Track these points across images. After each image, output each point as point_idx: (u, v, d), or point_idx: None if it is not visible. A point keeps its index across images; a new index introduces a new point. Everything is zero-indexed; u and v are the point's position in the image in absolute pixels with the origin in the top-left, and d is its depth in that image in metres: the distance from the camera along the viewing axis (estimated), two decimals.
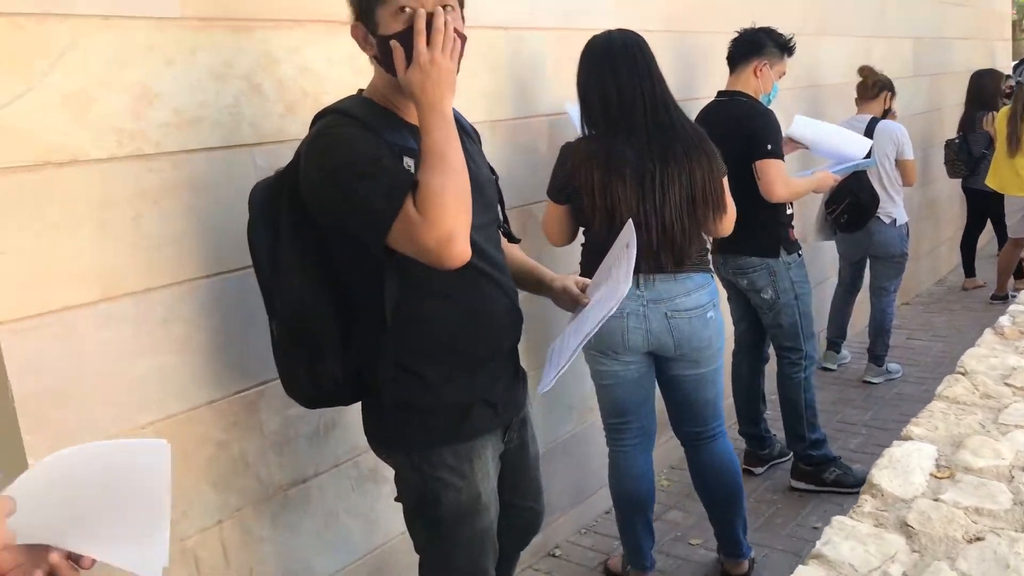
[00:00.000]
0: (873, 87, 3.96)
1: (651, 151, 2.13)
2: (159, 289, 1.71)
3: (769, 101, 2.98)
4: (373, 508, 2.21)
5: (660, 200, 2.13)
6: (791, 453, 3.31)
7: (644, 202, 2.13)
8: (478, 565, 1.66)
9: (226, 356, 1.83)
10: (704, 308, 2.28)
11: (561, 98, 2.65)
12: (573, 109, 2.56)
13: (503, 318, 1.63)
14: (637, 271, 2.10)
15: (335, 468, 2.10)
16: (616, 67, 2.14)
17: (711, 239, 2.52)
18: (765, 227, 2.89)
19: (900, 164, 3.95)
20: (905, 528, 1.22)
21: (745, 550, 2.52)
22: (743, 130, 2.79)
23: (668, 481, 3.23)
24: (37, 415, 1.54)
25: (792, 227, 2.99)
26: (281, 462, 1.97)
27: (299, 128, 1.93)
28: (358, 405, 2.06)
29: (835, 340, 4.44)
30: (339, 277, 1.55)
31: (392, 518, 2.26)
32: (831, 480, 3.07)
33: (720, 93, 3.01)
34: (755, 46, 2.94)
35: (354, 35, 1.50)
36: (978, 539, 1.18)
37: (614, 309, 1.57)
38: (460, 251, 1.38)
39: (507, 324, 1.65)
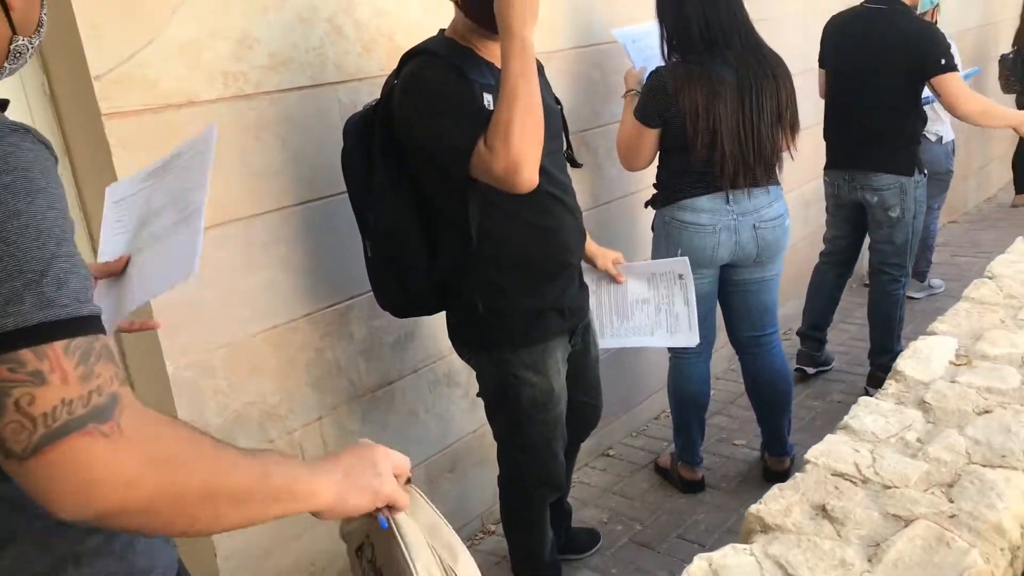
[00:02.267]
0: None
1: (748, 70, 2.29)
2: (262, 215, 1.94)
3: (935, 3, 2.99)
4: (447, 409, 2.47)
5: (756, 117, 2.30)
6: (831, 365, 3.51)
7: (744, 119, 2.29)
8: (550, 448, 1.91)
9: (319, 273, 2.07)
10: (783, 217, 2.48)
11: (612, 27, 2.77)
12: (623, 35, 2.67)
13: (570, 236, 1.83)
14: (733, 187, 2.34)
15: (414, 373, 2.35)
16: None
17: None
18: (908, 146, 2.94)
19: None
20: (923, 404, 1.42)
21: (789, 448, 2.74)
22: (912, 46, 2.82)
23: (713, 390, 3.44)
24: (171, 323, 1.80)
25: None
26: (368, 367, 2.23)
27: (375, 67, 2.12)
28: (433, 318, 2.31)
29: None
30: (426, 200, 1.76)
31: (463, 418, 2.53)
32: None
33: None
34: None
35: None
36: (986, 412, 1.37)
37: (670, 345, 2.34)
38: (527, 177, 1.54)
39: (574, 241, 1.85)
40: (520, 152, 1.52)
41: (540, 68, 1.89)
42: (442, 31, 1.76)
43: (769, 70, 2.32)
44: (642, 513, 2.64)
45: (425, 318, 2.31)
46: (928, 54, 2.78)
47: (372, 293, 2.09)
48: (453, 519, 2.51)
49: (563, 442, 1.94)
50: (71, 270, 0.71)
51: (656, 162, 2.51)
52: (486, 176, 1.58)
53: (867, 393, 3.28)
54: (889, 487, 1.19)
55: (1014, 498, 1.13)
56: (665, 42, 2.39)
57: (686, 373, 2.61)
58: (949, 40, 3.90)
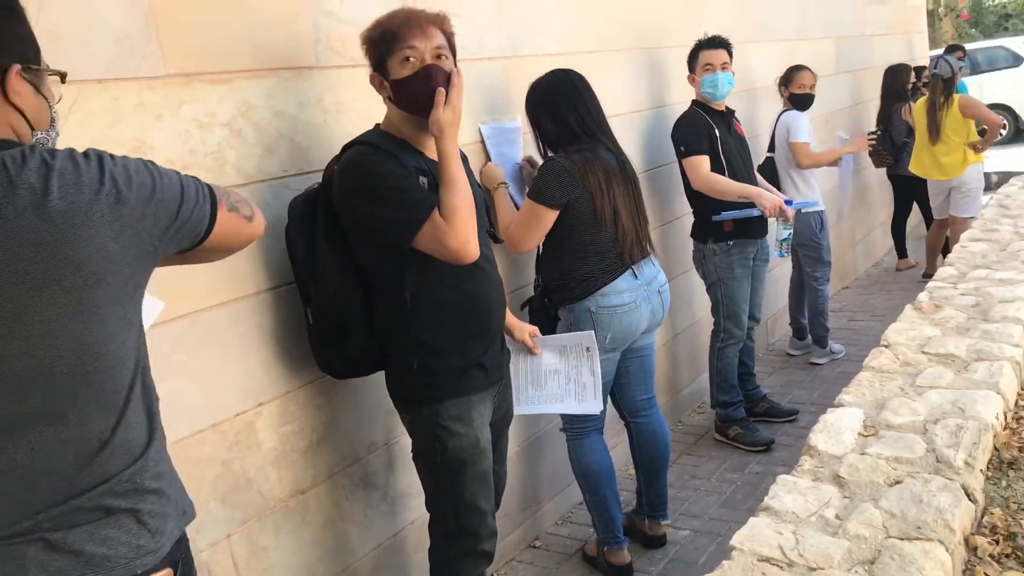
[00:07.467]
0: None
1: (620, 158, 2.55)
2: (169, 322, 1.85)
3: (715, 96, 3.36)
4: (366, 513, 2.37)
5: (636, 195, 2.57)
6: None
7: (630, 198, 2.54)
8: (479, 502, 1.96)
9: (224, 381, 1.98)
10: (667, 282, 2.69)
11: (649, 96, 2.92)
12: (489, 130, 2.76)
13: (493, 302, 2.00)
14: (632, 260, 2.55)
15: (329, 479, 2.25)
16: (581, 94, 2.53)
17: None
18: (695, 217, 3.47)
19: (790, 147, 4.18)
20: (837, 479, 1.45)
21: (667, 511, 2.88)
22: (672, 140, 3.43)
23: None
24: None
25: (729, 221, 3.33)
26: (280, 475, 2.12)
27: (276, 167, 2.10)
28: (346, 416, 2.25)
29: (795, 327, 4.68)
30: (363, 270, 1.94)
31: (382, 522, 2.43)
32: (732, 436, 3.61)
33: None
34: (688, 64, 3.45)
35: (372, 83, 1.90)
36: (897, 482, 1.41)
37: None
38: (474, 250, 1.80)
39: (495, 307, 2.02)
40: (470, 229, 1.78)
41: (464, 158, 1.99)
42: (377, 125, 1.96)
43: (627, 160, 2.60)
44: None
45: (340, 415, 2.25)
46: (674, 144, 3.36)
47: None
48: None
49: (491, 503, 2.00)
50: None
51: (545, 261, 2.62)
52: (436, 247, 1.79)
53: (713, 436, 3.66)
54: (814, 568, 1.19)
55: (933, 570, 1.14)
56: (541, 141, 2.60)
57: (587, 446, 2.69)
58: (802, 118, 4.21)
